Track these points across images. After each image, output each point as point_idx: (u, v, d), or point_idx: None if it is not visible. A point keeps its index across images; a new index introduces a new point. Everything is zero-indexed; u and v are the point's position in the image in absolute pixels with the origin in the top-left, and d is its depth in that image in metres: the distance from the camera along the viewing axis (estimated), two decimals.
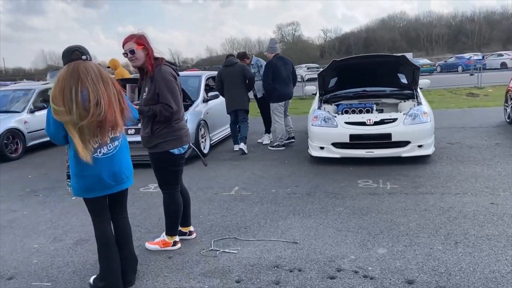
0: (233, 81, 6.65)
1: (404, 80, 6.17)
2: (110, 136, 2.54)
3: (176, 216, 3.27)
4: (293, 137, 7.23)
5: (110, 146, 2.55)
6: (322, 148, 5.61)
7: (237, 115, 6.79)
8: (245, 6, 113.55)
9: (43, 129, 8.46)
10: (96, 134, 2.45)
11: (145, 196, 4.81)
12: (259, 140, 7.61)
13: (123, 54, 3.04)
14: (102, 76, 2.49)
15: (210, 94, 7.31)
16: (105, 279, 2.65)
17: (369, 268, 2.76)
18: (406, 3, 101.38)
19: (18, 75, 54.51)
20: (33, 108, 8.16)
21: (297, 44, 74.30)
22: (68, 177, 2.77)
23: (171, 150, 3.11)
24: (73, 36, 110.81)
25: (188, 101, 6.66)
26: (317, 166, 5.61)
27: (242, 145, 6.70)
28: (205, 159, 3.65)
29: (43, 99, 8.80)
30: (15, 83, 22.80)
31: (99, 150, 2.50)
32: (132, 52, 2.98)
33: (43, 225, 4.02)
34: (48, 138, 8.38)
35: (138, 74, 3.28)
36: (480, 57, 29.88)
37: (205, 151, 6.67)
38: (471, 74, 22.34)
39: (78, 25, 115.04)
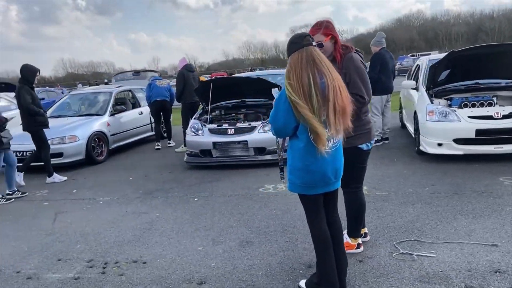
0: None
1: None
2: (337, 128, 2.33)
3: (360, 216, 3.05)
4: (387, 138, 6.94)
5: (335, 140, 2.34)
6: (440, 144, 5.31)
7: None
8: (255, 11, 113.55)
9: (124, 131, 8.55)
10: (326, 125, 2.25)
11: (272, 197, 4.58)
12: None
13: None
14: (331, 64, 2.30)
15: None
16: (325, 281, 2.43)
17: None
18: (419, 3, 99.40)
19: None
20: (113, 110, 8.12)
21: None
22: (281, 170, 2.58)
23: (360, 146, 2.88)
24: (86, 44, 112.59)
25: None
26: (437, 164, 5.31)
27: None
28: None
29: (115, 103, 8.77)
30: (60, 89, 23.31)
31: (327, 143, 2.29)
32: (321, 45, 2.74)
33: (188, 227, 3.85)
34: (128, 141, 8.40)
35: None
36: None
37: None
38: None
39: (92, 33, 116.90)
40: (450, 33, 68.86)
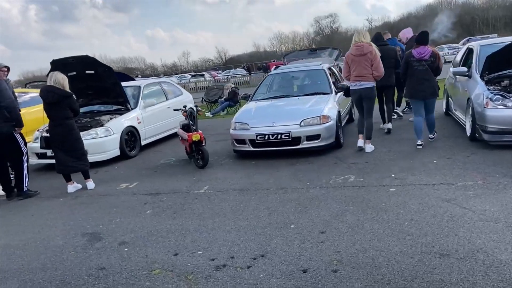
0: None
1: None
2: None
3: None
4: None
5: None
6: None
7: None
8: (271, 3, 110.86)
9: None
10: None
11: None
12: None
13: None
14: None
15: None
16: None
17: None
18: None
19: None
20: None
21: (348, 35, 71.01)
22: None
23: None
24: (105, 42, 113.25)
25: None
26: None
27: None
28: None
29: None
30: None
31: None
32: None
33: None
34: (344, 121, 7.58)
35: None
36: None
37: None
38: None
39: (110, 30, 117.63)
40: (488, 17, 65.00)
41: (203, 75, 41.25)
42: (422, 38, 5.96)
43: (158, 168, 6.64)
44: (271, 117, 6.38)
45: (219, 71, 48.02)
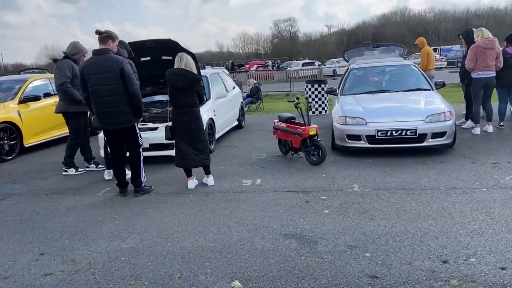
0: None
1: None
2: None
3: None
4: None
5: None
6: None
7: None
8: (226, 3, 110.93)
9: None
10: None
11: None
12: None
13: None
14: None
15: None
16: None
17: None
18: (387, 1, 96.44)
19: (17, 70, 52.21)
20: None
21: (312, 39, 73.07)
22: None
23: None
24: (50, 32, 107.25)
25: None
26: None
27: None
28: None
29: None
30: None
31: None
32: None
33: None
34: None
35: None
36: None
37: None
38: None
39: (55, 21, 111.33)
40: (439, 29, 69.70)
41: None
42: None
43: (260, 164, 6.06)
44: (389, 112, 5.99)
45: None
